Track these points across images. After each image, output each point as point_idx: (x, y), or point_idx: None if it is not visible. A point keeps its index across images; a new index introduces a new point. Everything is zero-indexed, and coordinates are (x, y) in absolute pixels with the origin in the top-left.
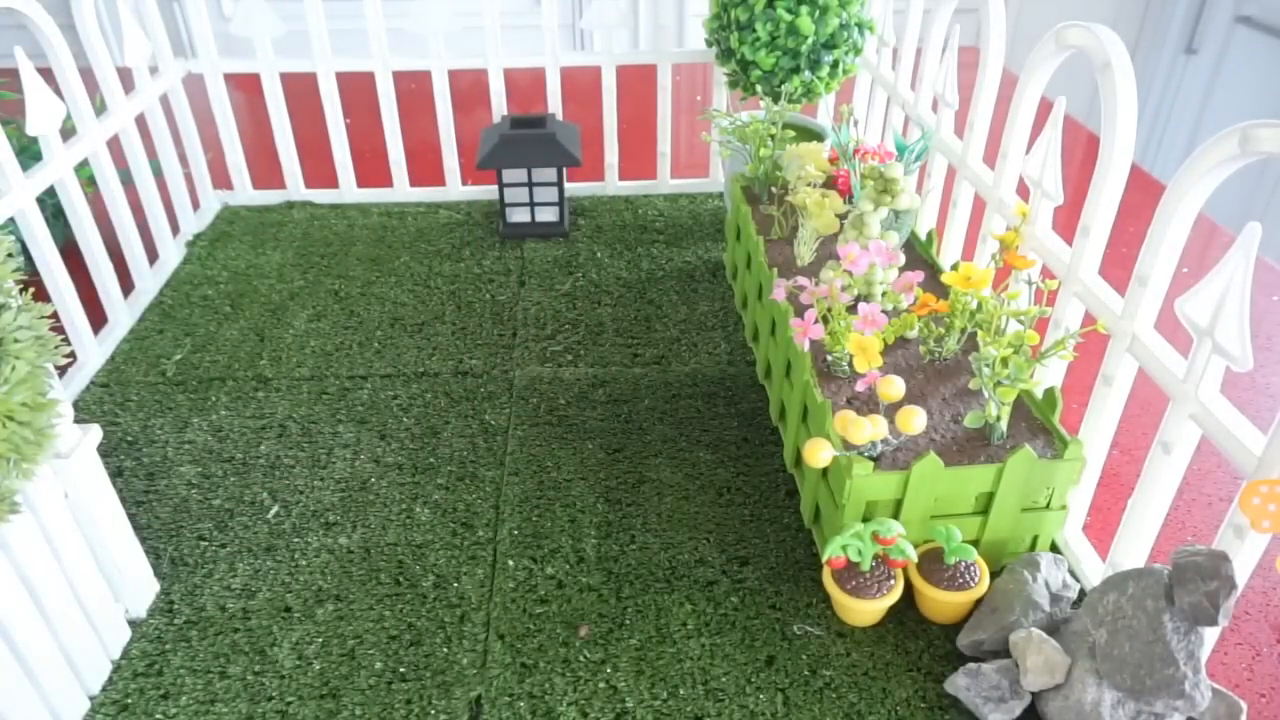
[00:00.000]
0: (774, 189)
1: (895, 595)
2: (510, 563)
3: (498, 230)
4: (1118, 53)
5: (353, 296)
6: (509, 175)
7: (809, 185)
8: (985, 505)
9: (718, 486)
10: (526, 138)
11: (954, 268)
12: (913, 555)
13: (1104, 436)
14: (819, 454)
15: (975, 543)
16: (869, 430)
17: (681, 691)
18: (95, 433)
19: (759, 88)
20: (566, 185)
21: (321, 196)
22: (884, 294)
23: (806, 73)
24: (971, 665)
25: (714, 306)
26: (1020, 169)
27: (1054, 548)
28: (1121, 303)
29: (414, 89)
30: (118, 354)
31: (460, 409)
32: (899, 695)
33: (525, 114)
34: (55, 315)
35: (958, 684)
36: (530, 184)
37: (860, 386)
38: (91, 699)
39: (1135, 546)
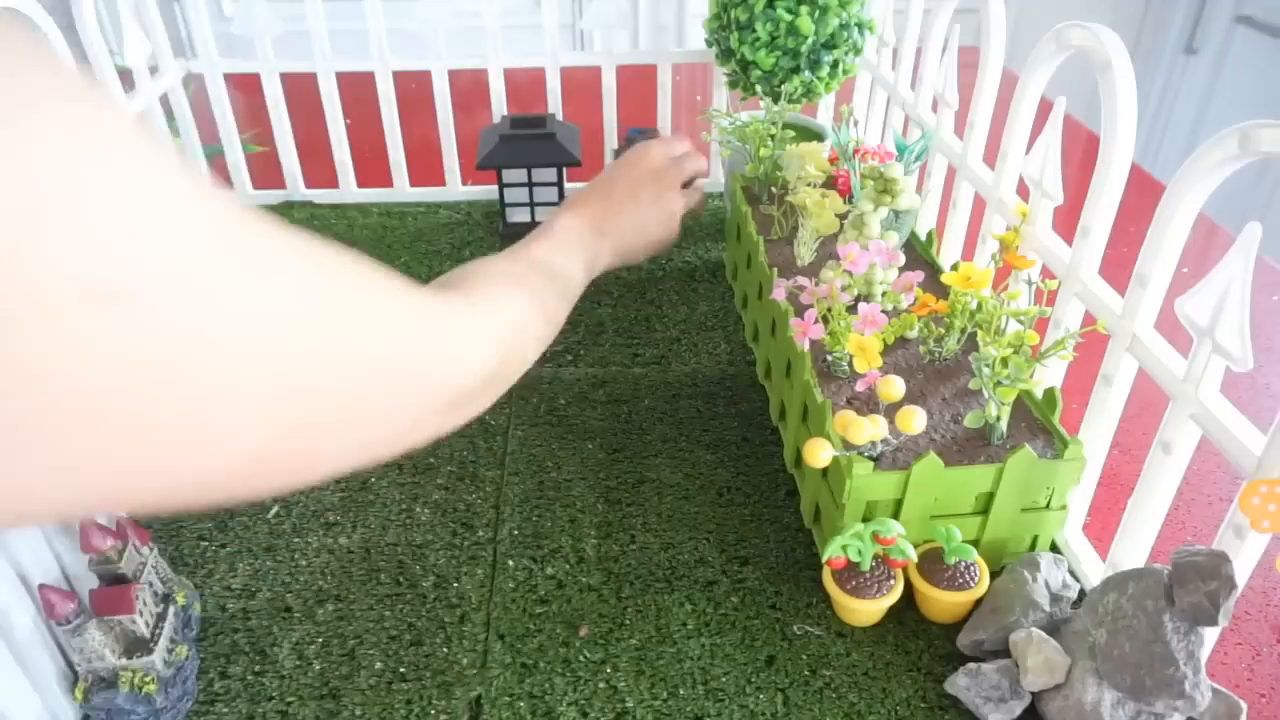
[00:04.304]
0: (774, 189)
1: (895, 595)
2: (510, 563)
3: (498, 230)
4: (1118, 53)
5: None
6: (509, 175)
7: (809, 185)
8: (985, 505)
9: (718, 486)
10: (526, 138)
11: (954, 268)
12: (913, 555)
13: (1104, 436)
14: (819, 454)
15: (975, 543)
16: (869, 430)
17: (681, 691)
18: None
19: (759, 88)
20: (567, 185)
21: (321, 196)
22: (884, 294)
23: (806, 73)
24: (971, 665)
25: (714, 306)
26: (1020, 169)
27: (1054, 548)
28: (1121, 303)
29: (414, 89)
30: None
31: None
32: (899, 695)
33: (525, 114)
34: None
35: (958, 684)
36: (530, 184)
37: (860, 386)
38: None
39: (1135, 546)
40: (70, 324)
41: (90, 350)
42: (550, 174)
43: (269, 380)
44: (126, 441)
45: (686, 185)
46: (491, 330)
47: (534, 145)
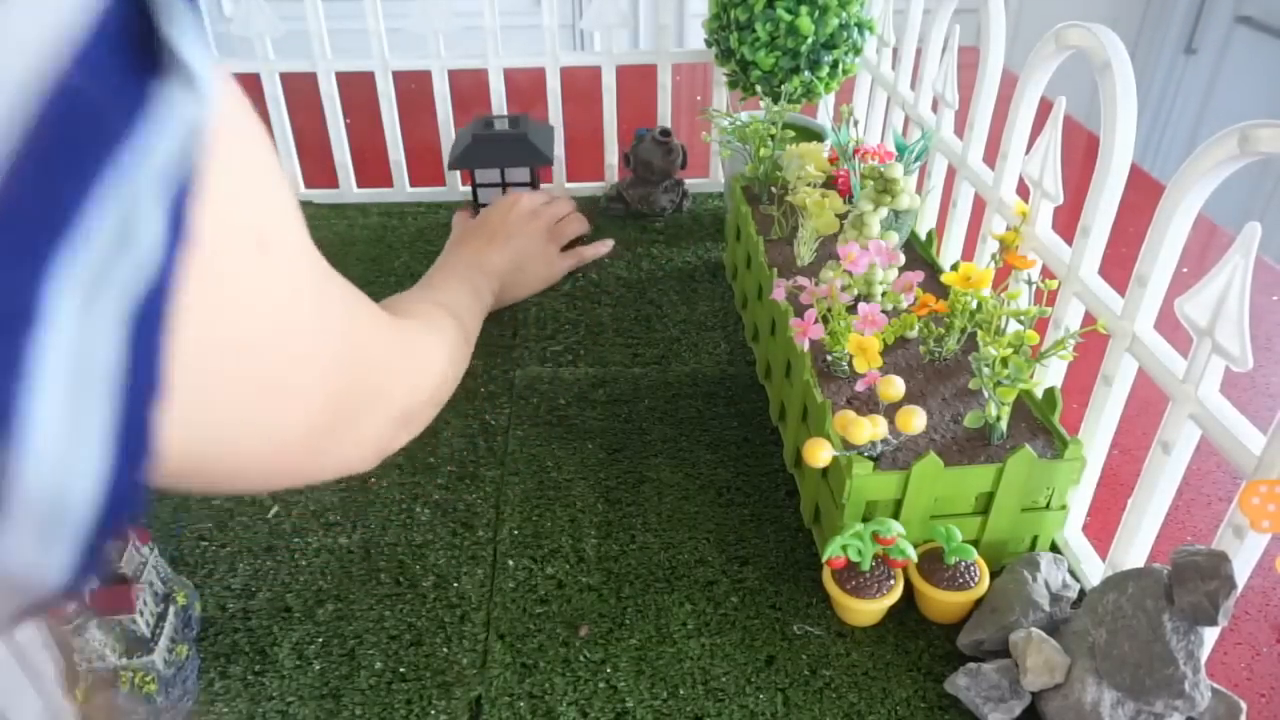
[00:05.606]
0: (774, 189)
1: (895, 595)
2: (510, 563)
3: None
4: (1118, 53)
5: None
6: (481, 175)
7: (809, 185)
8: (985, 505)
9: (718, 486)
10: (498, 137)
11: (954, 268)
12: (913, 555)
13: (1104, 436)
14: (819, 454)
15: (975, 543)
16: (869, 430)
17: (681, 691)
18: None
19: (759, 88)
20: (567, 186)
21: (321, 196)
22: (884, 294)
23: (806, 73)
24: (971, 665)
25: (714, 306)
26: (1020, 169)
27: (1054, 548)
28: (1121, 303)
29: (414, 89)
30: None
31: (460, 409)
32: (899, 695)
33: (499, 114)
34: None
35: (958, 684)
36: (504, 184)
37: (860, 386)
38: None
39: (1135, 546)
40: (246, 261)
41: (250, 285)
42: (524, 174)
43: (316, 354)
44: (247, 386)
45: (570, 247)
46: (441, 351)
47: (506, 145)
